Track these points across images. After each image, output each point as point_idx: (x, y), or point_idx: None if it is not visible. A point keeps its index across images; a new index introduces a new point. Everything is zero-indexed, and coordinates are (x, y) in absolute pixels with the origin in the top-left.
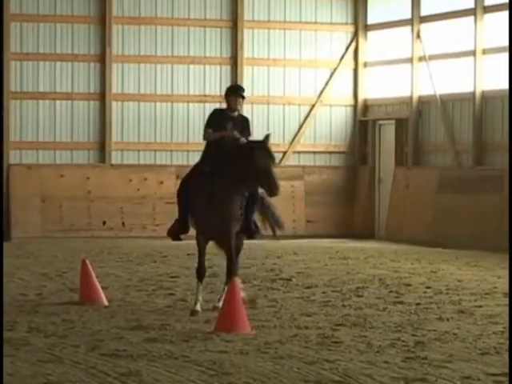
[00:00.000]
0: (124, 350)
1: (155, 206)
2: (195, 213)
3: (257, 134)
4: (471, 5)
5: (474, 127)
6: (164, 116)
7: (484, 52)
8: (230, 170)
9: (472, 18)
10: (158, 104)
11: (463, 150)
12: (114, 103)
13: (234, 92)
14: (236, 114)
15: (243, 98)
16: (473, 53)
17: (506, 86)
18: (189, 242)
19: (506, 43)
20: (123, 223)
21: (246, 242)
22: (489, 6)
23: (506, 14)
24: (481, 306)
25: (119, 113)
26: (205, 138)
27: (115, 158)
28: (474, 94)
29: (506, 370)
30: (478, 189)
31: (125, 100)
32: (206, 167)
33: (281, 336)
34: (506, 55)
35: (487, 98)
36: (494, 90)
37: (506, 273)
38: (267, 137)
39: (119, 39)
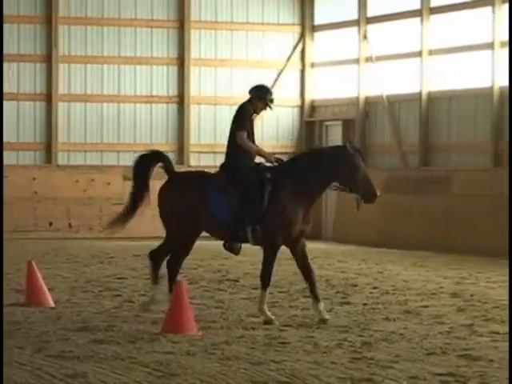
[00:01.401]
0: (70, 351)
1: (102, 207)
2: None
3: (203, 135)
4: (417, 6)
5: (420, 128)
6: (111, 116)
7: (430, 53)
8: (311, 175)
9: (418, 19)
10: (104, 104)
11: (410, 151)
12: (60, 104)
13: (269, 100)
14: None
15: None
16: (419, 53)
17: (453, 87)
18: (135, 244)
19: (452, 44)
20: (70, 224)
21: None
22: (435, 7)
23: (452, 15)
24: (427, 307)
25: (66, 113)
26: (242, 145)
27: (61, 158)
28: (420, 94)
29: (452, 370)
30: (424, 189)
31: (71, 100)
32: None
33: (228, 337)
34: (453, 56)
35: (433, 98)
36: (441, 90)
37: (452, 273)
38: (351, 142)
39: (65, 39)
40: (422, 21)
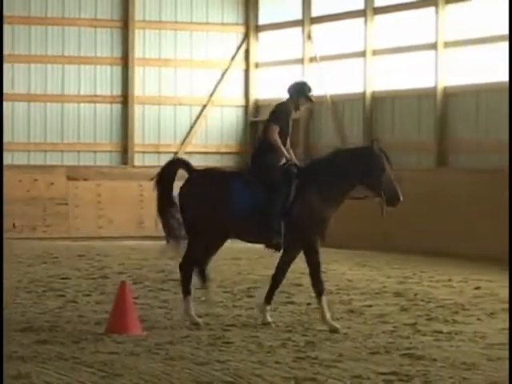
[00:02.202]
0: (14, 352)
1: (46, 207)
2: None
3: (147, 135)
4: (361, 6)
5: (364, 128)
6: (54, 116)
7: (374, 53)
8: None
9: (362, 19)
10: (48, 104)
11: None
12: (4, 103)
13: (308, 94)
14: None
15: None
16: (363, 54)
17: (396, 87)
18: (79, 244)
19: (396, 44)
20: (14, 224)
21: (139, 242)
22: (379, 8)
23: (396, 15)
24: (370, 306)
25: (9, 113)
26: (272, 138)
27: (5, 158)
28: (364, 94)
29: (396, 369)
30: None
31: (15, 100)
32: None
33: (172, 337)
34: (396, 56)
35: (377, 98)
36: (384, 90)
37: (396, 273)
38: (376, 141)
39: (9, 39)
40: (365, 21)
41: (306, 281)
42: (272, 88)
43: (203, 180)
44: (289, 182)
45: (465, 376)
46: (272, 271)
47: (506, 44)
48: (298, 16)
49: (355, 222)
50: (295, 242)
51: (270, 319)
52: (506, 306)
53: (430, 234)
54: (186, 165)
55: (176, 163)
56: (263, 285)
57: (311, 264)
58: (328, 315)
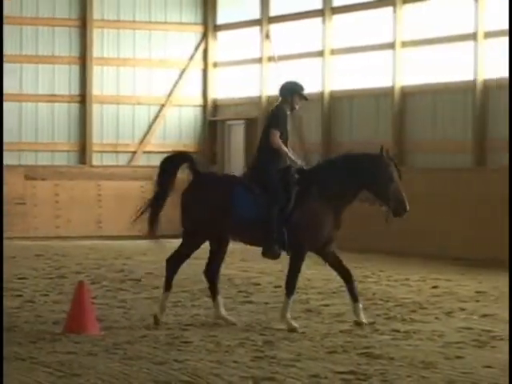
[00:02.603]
0: None
1: (4, 207)
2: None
3: (106, 135)
4: (319, 6)
5: (322, 127)
6: (12, 115)
7: (332, 52)
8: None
9: (320, 18)
10: (5, 103)
11: (312, 150)
12: None
13: (301, 92)
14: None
15: (306, 99)
16: (321, 53)
17: (354, 86)
18: (37, 243)
19: (354, 44)
20: None
21: (97, 242)
22: (337, 7)
23: (354, 14)
24: (328, 305)
25: None
26: (274, 143)
27: None
28: (322, 94)
29: (353, 368)
30: None
31: None
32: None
33: (130, 337)
34: (354, 55)
35: (335, 98)
36: (342, 90)
37: (355, 272)
38: (383, 149)
39: None
40: (323, 20)
41: (265, 280)
42: (230, 87)
43: (207, 183)
44: (289, 189)
45: (423, 375)
46: (231, 270)
47: (464, 43)
48: (256, 15)
49: None
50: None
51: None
52: (464, 304)
53: (389, 234)
54: (191, 161)
55: (181, 158)
56: (223, 284)
57: (291, 265)
58: (288, 314)
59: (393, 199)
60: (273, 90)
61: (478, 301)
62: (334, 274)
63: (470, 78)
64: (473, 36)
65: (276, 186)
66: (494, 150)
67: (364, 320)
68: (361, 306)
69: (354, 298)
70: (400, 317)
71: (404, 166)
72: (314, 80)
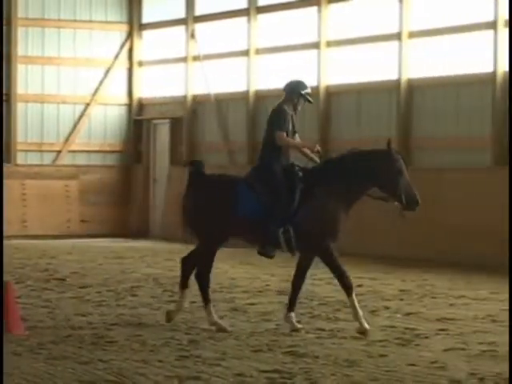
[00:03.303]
0: None
1: None
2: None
3: (30, 133)
4: (245, 5)
5: (247, 126)
6: None
7: (257, 52)
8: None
9: (245, 18)
10: None
11: (238, 149)
12: None
13: (304, 92)
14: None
15: (310, 102)
16: (246, 52)
17: (279, 86)
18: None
19: (279, 43)
20: None
21: (22, 241)
22: (262, 7)
23: (279, 14)
24: (254, 304)
25: None
26: (283, 143)
27: None
28: (247, 93)
29: (278, 367)
30: None
31: None
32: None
33: (55, 337)
34: (279, 55)
35: (260, 97)
36: (267, 89)
37: (280, 271)
38: (390, 143)
39: None
40: (249, 20)
41: (190, 279)
42: (155, 87)
43: (208, 184)
44: (293, 187)
45: (347, 373)
46: (156, 270)
47: (388, 44)
48: (182, 15)
49: None
50: (306, 246)
51: (299, 325)
52: (388, 303)
53: None
54: (198, 166)
55: (196, 167)
56: (146, 283)
57: (330, 267)
58: (360, 312)
59: (404, 194)
60: (199, 89)
61: (401, 299)
62: (259, 272)
63: (395, 77)
64: (397, 36)
65: (280, 185)
66: (418, 149)
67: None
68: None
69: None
70: (324, 315)
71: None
72: (240, 79)
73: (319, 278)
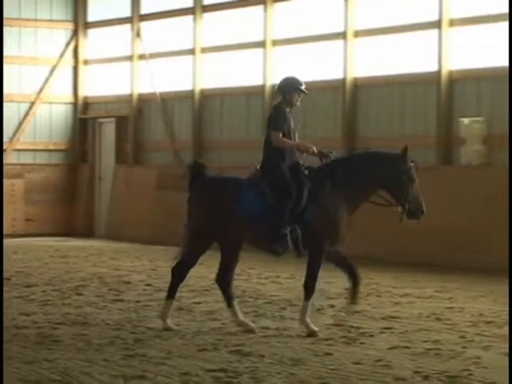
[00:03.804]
0: None
1: None
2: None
3: None
4: (190, 4)
5: (193, 125)
6: None
7: (203, 50)
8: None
9: (191, 16)
10: None
11: (183, 148)
12: None
13: (299, 88)
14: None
15: (305, 93)
16: (192, 51)
17: (225, 85)
18: None
19: (225, 42)
20: None
21: None
22: (208, 5)
23: (225, 13)
24: (200, 303)
25: None
26: (278, 144)
27: None
28: (193, 92)
29: (224, 366)
30: None
31: None
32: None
33: None
34: (225, 54)
35: (206, 96)
36: (213, 88)
37: None
38: (407, 149)
39: None
40: (195, 18)
41: (135, 278)
42: (101, 85)
43: (212, 185)
44: (300, 186)
45: (292, 372)
46: (101, 269)
47: (334, 43)
48: (127, 13)
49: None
50: (309, 243)
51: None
52: (333, 301)
53: None
54: (200, 169)
55: (197, 168)
56: (92, 282)
57: (310, 265)
58: (308, 318)
59: (411, 201)
60: (144, 87)
61: (347, 298)
62: (205, 271)
63: (340, 76)
64: (342, 35)
65: (287, 184)
66: (363, 148)
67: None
68: (355, 308)
69: (353, 297)
70: (270, 314)
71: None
72: (186, 78)
73: (265, 277)
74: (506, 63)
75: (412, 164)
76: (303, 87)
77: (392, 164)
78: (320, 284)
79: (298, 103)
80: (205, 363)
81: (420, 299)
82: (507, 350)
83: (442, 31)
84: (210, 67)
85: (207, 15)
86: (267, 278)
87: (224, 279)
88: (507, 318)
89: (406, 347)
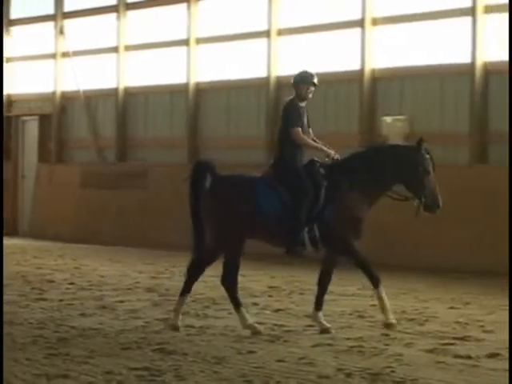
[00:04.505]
0: None
1: None
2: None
3: None
4: (114, 1)
5: (117, 123)
6: None
7: (127, 48)
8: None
9: (115, 14)
10: None
11: (107, 146)
12: None
13: (307, 80)
14: (305, 103)
15: (315, 85)
16: (116, 49)
17: (149, 83)
18: None
19: (149, 40)
20: None
21: None
22: (131, 3)
23: (149, 11)
24: (123, 302)
25: None
26: (299, 141)
27: None
28: (117, 90)
29: (147, 364)
30: (121, 184)
31: None
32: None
33: None
34: (149, 52)
35: (130, 94)
36: (137, 86)
37: (148, 268)
38: (422, 141)
39: None
40: (118, 16)
41: (58, 277)
42: (24, 83)
43: (229, 184)
44: (317, 184)
45: (216, 370)
46: (24, 267)
47: (257, 40)
48: (51, 11)
49: (110, 217)
50: (331, 244)
51: (328, 324)
52: (257, 299)
53: (182, 229)
54: (211, 169)
55: (204, 166)
56: (15, 281)
57: (357, 263)
58: (388, 306)
59: (428, 194)
60: (68, 85)
61: (270, 296)
62: (128, 270)
63: (264, 74)
64: (266, 33)
65: (303, 183)
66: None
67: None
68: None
69: (319, 305)
70: (194, 312)
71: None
72: (109, 76)
73: None
74: (429, 62)
75: (428, 156)
76: (315, 80)
77: (407, 157)
78: (244, 282)
79: (310, 96)
80: (128, 362)
81: (343, 297)
82: (429, 347)
83: (365, 30)
84: (134, 65)
85: (131, 13)
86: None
87: (230, 282)
88: (428, 315)
89: (329, 345)
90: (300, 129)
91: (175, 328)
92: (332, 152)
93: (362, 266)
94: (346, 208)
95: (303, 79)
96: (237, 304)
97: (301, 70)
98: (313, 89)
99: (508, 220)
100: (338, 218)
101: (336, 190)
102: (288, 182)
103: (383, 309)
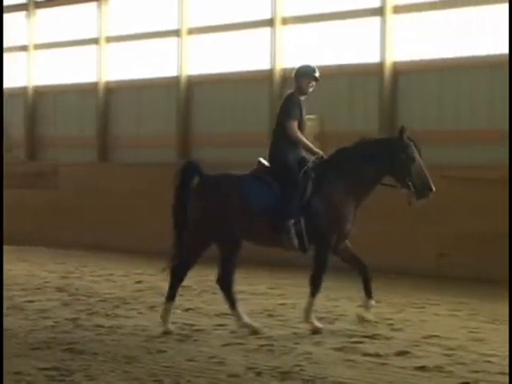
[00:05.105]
0: None
1: None
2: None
3: None
4: (24, 0)
5: (26, 122)
6: None
7: (36, 47)
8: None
9: (24, 13)
10: None
11: (16, 145)
12: None
13: (309, 74)
14: (305, 97)
15: (317, 80)
16: (25, 48)
17: (59, 82)
18: None
19: (57, 39)
20: None
21: None
22: (41, 2)
23: (58, 9)
24: (32, 301)
25: None
26: (293, 136)
27: None
28: (26, 89)
29: (57, 364)
30: (31, 184)
31: None
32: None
33: None
34: (58, 51)
35: (39, 93)
36: (46, 85)
37: (58, 268)
38: (404, 129)
39: None
40: (28, 15)
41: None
42: None
43: (215, 182)
44: (305, 179)
45: (126, 369)
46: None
47: (168, 39)
48: None
49: (20, 217)
50: (315, 236)
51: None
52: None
53: (93, 229)
54: (198, 170)
55: (191, 168)
56: None
57: (317, 260)
58: (312, 315)
59: (415, 180)
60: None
61: (181, 295)
62: (37, 269)
63: (174, 73)
64: (176, 32)
65: (294, 175)
66: (197, 145)
67: (370, 317)
68: (373, 302)
69: (368, 293)
70: (103, 312)
71: (108, 162)
72: (18, 75)
73: (98, 275)
74: (338, 61)
75: (411, 143)
76: (317, 74)
77: (389, 147)
78: (155, 282)
79: (311, 90)
80: (37, 362)
81: (253, 296)
82: (338, 345)
83: (275, 29)
84: (44, 64)
85: (40, 11)
86: (101, 276)
87: (225, 282)
88: (338, 313)
89: (240, 344)
90: (296, 122)
91: (169, 333)
92: (320, 152)
93: (316, 268)
94: (332, 204)
95: (305, 73)
96: (232, 303)
97: (303, 64)
98: (314, 83)
99: (508, 220)
100: (324, 213)
101: (324, 185)
102: (278, 174)
103: (306, 318)
